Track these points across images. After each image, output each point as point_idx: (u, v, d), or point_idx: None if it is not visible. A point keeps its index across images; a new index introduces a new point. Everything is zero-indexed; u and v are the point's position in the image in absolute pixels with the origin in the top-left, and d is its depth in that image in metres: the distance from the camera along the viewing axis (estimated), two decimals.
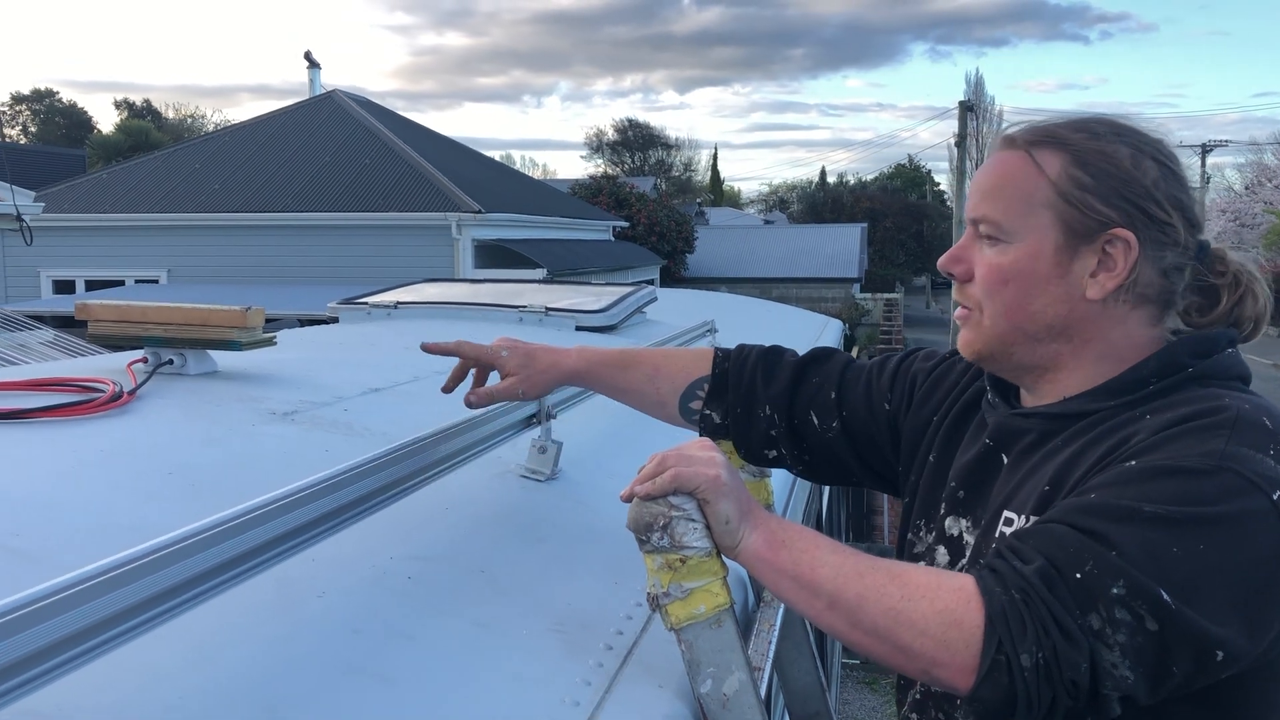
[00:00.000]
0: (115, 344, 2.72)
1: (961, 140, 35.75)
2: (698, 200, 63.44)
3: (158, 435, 2.07)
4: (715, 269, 37.46)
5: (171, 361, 2.68)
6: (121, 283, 22.01)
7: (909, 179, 65.01)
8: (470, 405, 2.02)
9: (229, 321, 2.68)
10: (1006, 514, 1.47)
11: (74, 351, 8.38)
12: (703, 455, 1.37)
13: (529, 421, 2.27)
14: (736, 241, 41.87)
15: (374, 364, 3.23)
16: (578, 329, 4.80)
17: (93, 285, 22.05)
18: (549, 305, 4.96)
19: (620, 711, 1.34)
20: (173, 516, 1.58)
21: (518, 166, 67.75)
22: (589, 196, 34.66)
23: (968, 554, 1.51)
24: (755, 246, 41.08)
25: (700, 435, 1.92)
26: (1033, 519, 1.39)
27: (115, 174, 24.05)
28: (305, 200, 21.66)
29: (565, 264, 22.54)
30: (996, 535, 1.45)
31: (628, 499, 1.40)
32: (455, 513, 1.94)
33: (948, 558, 1.55)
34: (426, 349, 2.13)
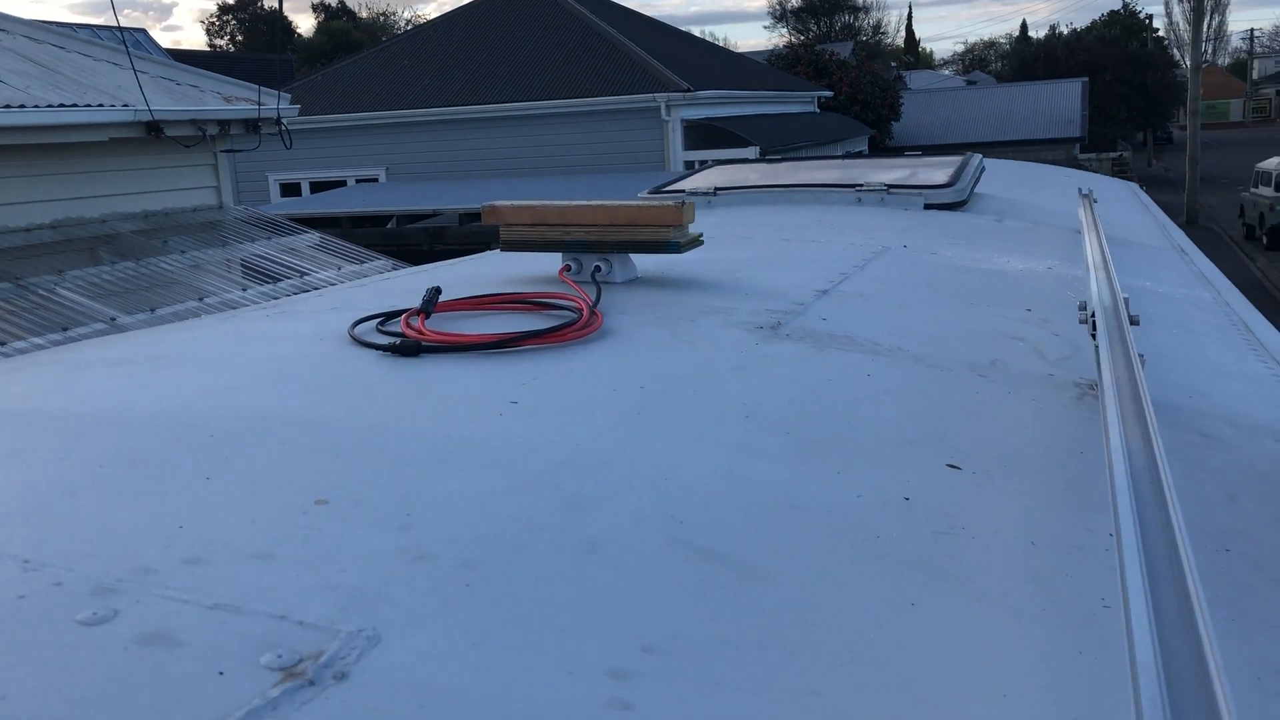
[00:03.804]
0: (532, 249, 2.38)
1: None
2: (893, 64, 60.36)
3: (673, 365, 1.70)
4: (923, 136, 35.50)
5: (599, 268, 2.33)
6: (343, 183, 22.58)
7: (1127, 26, 59.60)
8: None
9: (663, 220, 2.29)
10: None
11: (342, 254, 8.40)
12: None
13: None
14: (944, 105, 39.48)
15: (782, 261, 2.81)
16: (927, 207, 4.26)
17: (317, 186, 22.70)
18: (888, 183, 4.42)
19: None
20: (835, 486, 1.20)
21: None
22: (787, 67, 33.24)
23: None
24: (963, 110, 38.62)
25: None
26: None
27: (328, 75, 24.45)
28: (513, 90, 21.46)
29: (776, 140, 21.68)
30: None
31: None
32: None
33: None
34: None
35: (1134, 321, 1.77)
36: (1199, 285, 3.34)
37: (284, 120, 8.34)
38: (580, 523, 1.05)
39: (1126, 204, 6.08)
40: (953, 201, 4.29)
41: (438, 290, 1.96)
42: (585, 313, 1.88)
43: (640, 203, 2.33)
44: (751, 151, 20.39)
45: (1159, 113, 49.56)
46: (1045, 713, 0.84)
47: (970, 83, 58.99)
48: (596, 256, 2.33)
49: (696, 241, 2.39)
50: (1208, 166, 42.50)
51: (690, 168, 13.90)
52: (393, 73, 23.55)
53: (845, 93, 33.52)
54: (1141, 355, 1.78)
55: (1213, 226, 29.74)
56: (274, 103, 8.06)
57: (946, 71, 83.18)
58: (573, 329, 1.80)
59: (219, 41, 53.35)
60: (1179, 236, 4.93)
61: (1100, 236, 2.79)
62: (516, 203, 2.41)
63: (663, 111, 20.30)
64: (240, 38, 52.22)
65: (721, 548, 1.03)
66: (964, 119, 38.81)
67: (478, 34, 24.01)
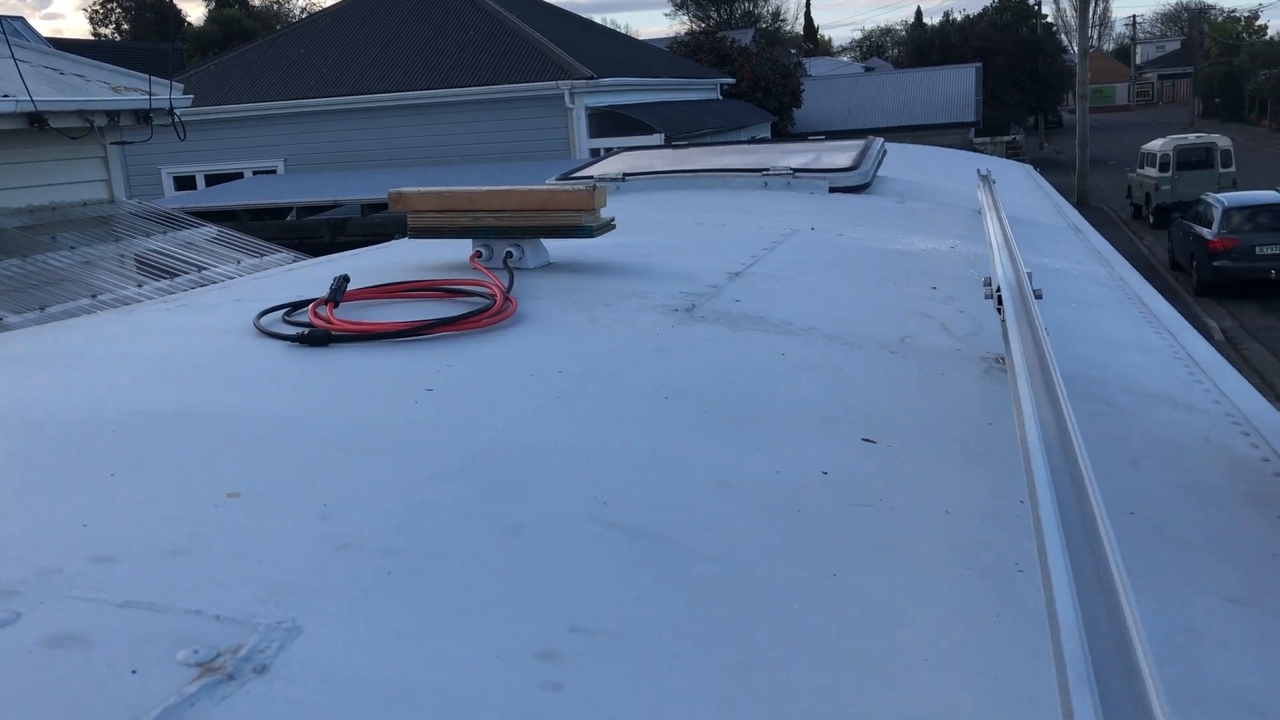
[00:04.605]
0: (441, 236, 2.34)
1: None
2: (793, 51, 60.98)
3: (592, 349, 1.69)
4: (824, 122, 35.97)
5: (511, 254, 2.30)
6: (240, 175, 22.00)
7: (1017, 13, 61.16)
8: None
9: (575, 204, 2.28)
10: None
11: (241, 247, 8.19)
12: None
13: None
14: (843, 92, 40.05)
15: (693, 245, 2.82)
16: (831, 190, 4.31)
17: (212, 179, 22.07)
18: (794, 167, 4.46)
19: None
20: (756, 462, 1.21)
21: None
22: (689, 54, 33.35)
23: None
24: (863, 96, 39.24)
25: None
26: None
27: (222, 65, 23.79)
28: (414, 78, 21.13)
29: (681, 127, 21.75)
30: None
31: None
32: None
33: None
34: None
35: (1037, 296, 1.81)
36: (1094, 261, 3.44)
37: (177, 111, 8.08)
38: (504, 507, 1.04)
39: (1023, 185, 6.25)
40: (857, 184, 4.35)
41: (345, 278, 1.92)
42: (499, 299, 1.86)
43: (551, 187, 2.32)
44: (657, 139, 20.42)
45: (1049, 97, 51.03)
46: (967, 674, 0.85)
47: (868, 69, 59.96)
48: (508, 242, 2.31)
49: (608, 226, 2.38)
50: (1096, 149, 43.95)
51: (597, 155, 13.85)
52: (289, 61, 23.04)
53: (747, 79, 33.81)
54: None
55: (1102, 206, 30.74)
56: (165, 92, 7.80)
57: (845, 58, 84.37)
58: (486, 315, 1.78)
59: (104, 31, 51.36)
60: (1074, 215, 5.08)
61: (1001, 216, 2.86)
62: (424, 189, 2.38)
63: (566, 99, 20.22)
64: (126, 27, 50.35)
65: (647, 526, 1.03)
66: (863, 105, 39.45)
67: (376, 21, 23.62)
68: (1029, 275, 1.80)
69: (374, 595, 0.85)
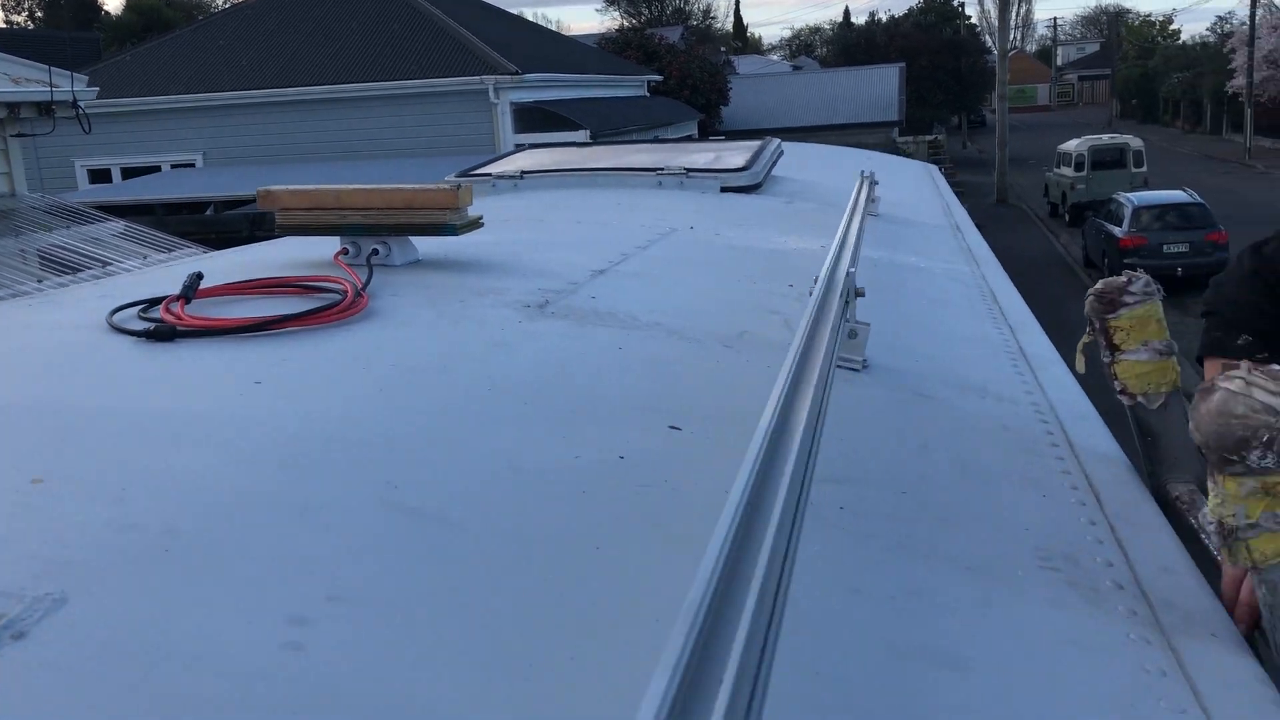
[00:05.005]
0: (309, 233, 2.40)
1: None
2: (722, 49, 61.35)
3: (432, 344, 1.77)
4: (751, 120, 36.30)
5: (376, 251, 2.36)
6: (158, 168, 21.59)
7: (941, 14, 62.30)
8: None
9: (439, 203, 2.35)
10: None
11: (149, 243, 8.09)
12: None
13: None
14: (770, 90, 40.43)
15: (569, 243, 2.90)
16: (723, 190, 4.42)
17: (129, 173, 21.63)
18: (688, 166, 4.57)
19: (1200, 672, 1.05)
20: (557, 449, 1.29)
21: None
22: (617, 51, 33.45)
23: None
24: (790, 94, 39.65)
25: None
26: None
27: (139, 55, 23.32)
28: (336, 72, 20.93)
29: (607, 124, 21.82)
30: None
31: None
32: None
33: None
34: None
35: (860, 294, 1.93)
36: (963, 260, 3.59)
37: (81, 103, 7.96)
38: (295, 490, 1.11)
39: (920, 185, 6.43)
40: (748, 184, 4.47)
41: (199, 275, 1.96)
42: (349, 295, 1.92)
43: (417, 186, 2.38)
44: (583, 135, 20.45)
45: (972, 97, 51.97)
46: None
47: (797, 68, 60.46)
48: (374, 240, 2.37)
49: (474, 224, 2.45)
50: (1017, 148, 44.79)
51: (522, 149, 13.84)
52: (209, 53, 22.65)
53: (675, 77, 33.98)
54: (866, 323, 1.94)
55: (1020, 204, 31.43)
56: (68, 84, 7.68)
57: (775, 57, 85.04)
58: (334, 311, 1.85)
59: (17, 19, 49.96)
60: (960, 216, 5.26)
61: (860, 216, 2.98)
62: (293, 187, 2.43)
63: (491, 94, 20.16)
64: (40, 14, 49.02)
65: (430, 507, 1.11)
66: (790, 103, 39.82)
67: (299, 14, 23.32)
68: (851, 273, 1.91)
69: (146, 570, 0.92)
